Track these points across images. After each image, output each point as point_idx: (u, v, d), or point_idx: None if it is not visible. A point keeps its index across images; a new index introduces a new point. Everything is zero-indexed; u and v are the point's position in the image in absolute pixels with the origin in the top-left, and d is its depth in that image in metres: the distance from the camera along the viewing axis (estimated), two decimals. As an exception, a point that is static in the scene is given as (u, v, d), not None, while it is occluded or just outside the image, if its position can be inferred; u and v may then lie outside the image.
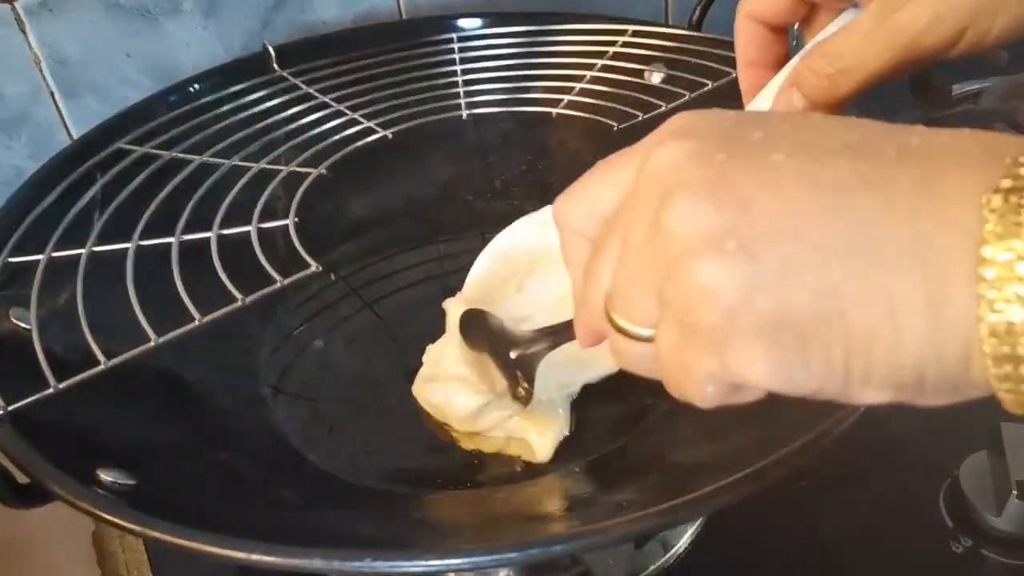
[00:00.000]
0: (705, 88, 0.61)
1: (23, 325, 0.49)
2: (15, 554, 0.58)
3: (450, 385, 0.52)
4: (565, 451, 0.50)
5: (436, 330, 0.57)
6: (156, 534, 0.36)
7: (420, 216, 0.72)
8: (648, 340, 0.28)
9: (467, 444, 0.52)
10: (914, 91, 0.80)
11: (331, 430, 0.54)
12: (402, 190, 0.72)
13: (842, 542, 0.54)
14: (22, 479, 0.40)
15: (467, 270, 0.60)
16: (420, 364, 0.55)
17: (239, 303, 0.46)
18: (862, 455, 0.56)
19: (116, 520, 0.37)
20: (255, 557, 0.34)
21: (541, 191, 0.72)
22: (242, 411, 0.55)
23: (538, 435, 0.50)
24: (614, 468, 0.48)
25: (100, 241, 0.52)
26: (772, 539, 0.54)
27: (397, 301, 0.64)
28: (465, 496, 0.49)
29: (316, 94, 0.66)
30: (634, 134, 0.60)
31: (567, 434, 0.51)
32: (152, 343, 0.44)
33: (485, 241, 0.68)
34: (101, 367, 0.43)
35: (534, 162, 0.72)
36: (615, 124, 0.59)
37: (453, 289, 0.60)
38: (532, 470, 0.50)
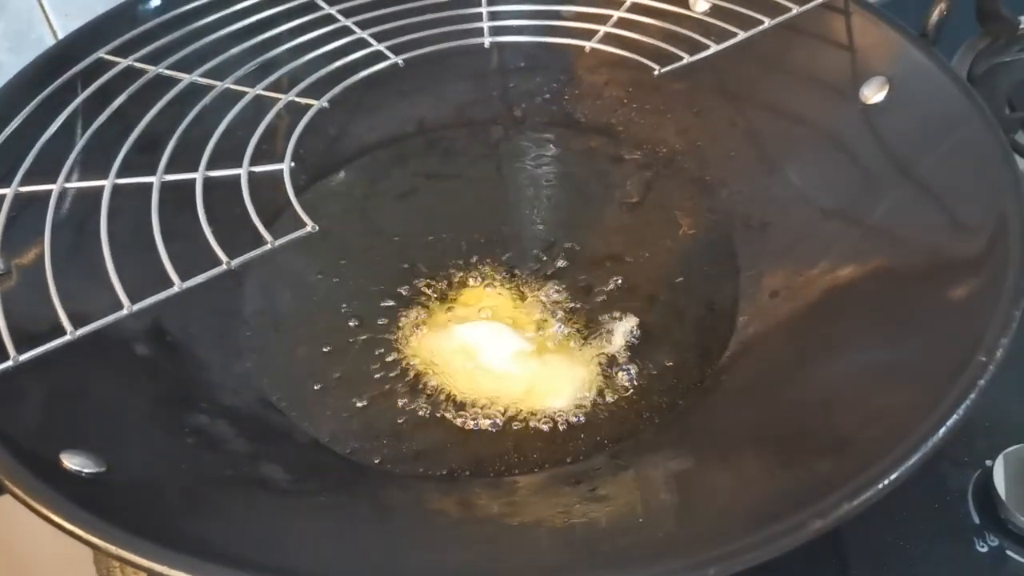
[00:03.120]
0: (762, 26, 0.53)
1: (-14, 267, 0.44)
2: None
3: (493, 325, 0.51)
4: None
5: (446, 264, 0.55)
6: (117, 550, 0.32)
7: (431, 143, 0.66)
8: None
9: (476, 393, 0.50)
10: (981, 20, 0.75)
11: (323, 390, 0.50)
12: (413, 113, 0.66)
13: (856, 527, 0.51)
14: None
15: (481, 200, 0.59)
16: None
17: (224, 266, 0.41)
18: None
19: (71, 527, 0.33)
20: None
21: (566, 122, 0.66)
22: (226, 364, 0.51)
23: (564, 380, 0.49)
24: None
25: (75, 175, 0.46)
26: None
27: (403, 232, 0.60)
28: (481, 485, 0.45)
29: (322, 4, 0.59)
30: (683, 76, 0.55)
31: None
32: (125, 311, 0.39)
33: (500, 172, 0.63)
34: (68, 337, 0.38)
35: (560, 91, 0.66)
36: (656, 67, 0.52)
37: (465, 222, 0.58)
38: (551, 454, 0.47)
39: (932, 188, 0.48)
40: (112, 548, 0.31)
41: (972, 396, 0.35)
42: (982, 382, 0.35)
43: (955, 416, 0.34)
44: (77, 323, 0.39)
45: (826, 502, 0.32)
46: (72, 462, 0.36)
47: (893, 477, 0.33)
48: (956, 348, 0.38)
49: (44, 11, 0.66)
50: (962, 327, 0.39)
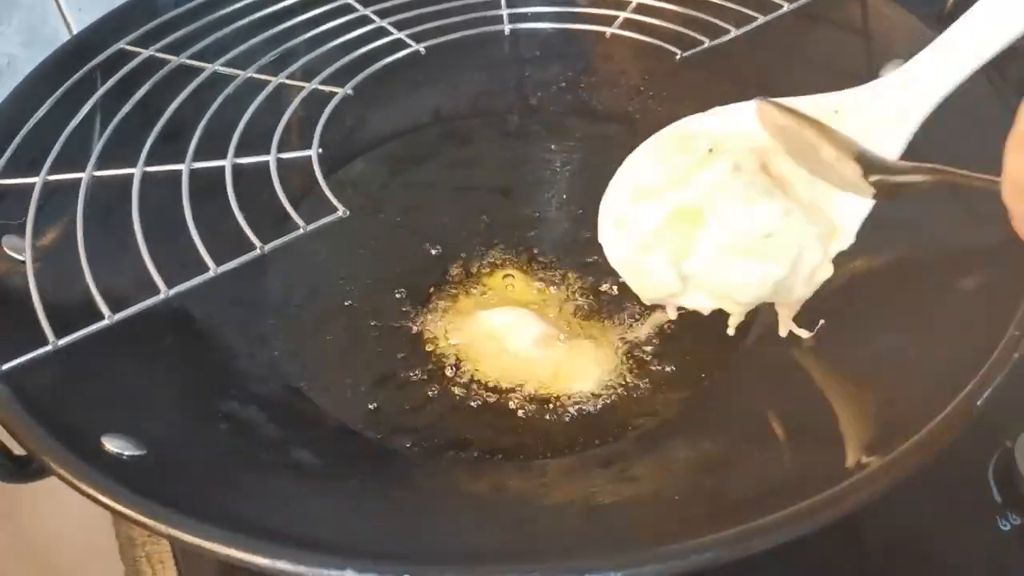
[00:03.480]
0: (781, 10, 0.54)
1: (17, 256, 0.44)
2: (30, 543, 0.54)
3: (518, 311, 0.51)
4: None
5: (467, 252, 0.56)
6: (164, 528, 0.32)
7: (447, 133, 0.66)
8: None
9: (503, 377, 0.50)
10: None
11: (350, 376, 0.50)
12: (429, 103, 0.67)
13: (876, 509, 0.51)
14: (19, 450, 0.36)
15: (499, 188, 0.59)
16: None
17: (258, 251, 0.41)
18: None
19: (119, 507, 0.33)
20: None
21: (582, 111, 0.66)
22: (253, 352, 0.51)
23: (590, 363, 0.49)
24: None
25: (101, 164, 0.46)
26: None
27: (422, 220, 0.60)
28: (512, 468, 0.45)
29: (341, -6, 0.59)
30: (698, 64, 0.55)
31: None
32: (162, 295, 0.40)
33: (518, 160, 0.64)
34: (106, 321, 0.39)
35: (576, 80, 0.66)
36: (678, 51, 0.52)
37: (484, 211, 0.58)
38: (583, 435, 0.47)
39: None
40: (163, 527, 0.31)
41: (1008, 367, 0.35)
42: (1017, 355, 0.36)
43: (993, 386, 0.35)
44: (110, 310, 0.39)
45: (866, 474, 0.33)
46: (114, 445, 0.37)
47: (937, 449, 0.33)
48: (988, 326, 0.38)
49: (58, 5, 0.66)
50: (992, 307, 0.40)
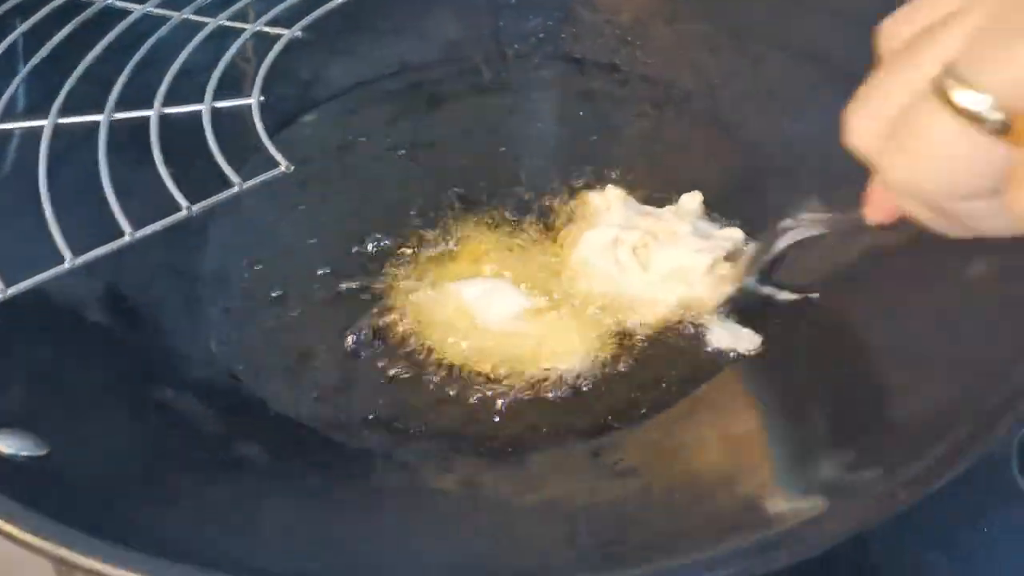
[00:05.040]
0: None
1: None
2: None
3: (491, 281, 0.46)
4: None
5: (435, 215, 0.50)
6: (55, 548, 0.26)
7: (414, 85, 0.60)
8: (999, 131, 0.21)
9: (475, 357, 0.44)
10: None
11: (303, 359, 0.44)
12: (393, 52, 0.60)
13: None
14: None
15: (471, 145, 0.55)
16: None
17: (184, 212, 0.35)
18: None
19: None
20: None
21: (563, 62, 0.61)
22: (192, 331, 0.45)
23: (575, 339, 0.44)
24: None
25: (10, 116, 0.40)
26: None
27: (386, 180, 0.54)
28: (486, 461, 0.40)
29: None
30: (695, 13, 0.49)
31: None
32: (67, 264, 0.34)
33: (489, 117, 0.58)
34: (-2, 296, 0.33)
35: (556, 29, 0.60)
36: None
37: (453, 169, 0.53)
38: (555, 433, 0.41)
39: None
40: (49, 547, 0.26)
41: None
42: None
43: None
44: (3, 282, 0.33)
45: (916, 467, 0.27)
46: (7, 444, 0.31)
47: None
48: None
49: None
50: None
